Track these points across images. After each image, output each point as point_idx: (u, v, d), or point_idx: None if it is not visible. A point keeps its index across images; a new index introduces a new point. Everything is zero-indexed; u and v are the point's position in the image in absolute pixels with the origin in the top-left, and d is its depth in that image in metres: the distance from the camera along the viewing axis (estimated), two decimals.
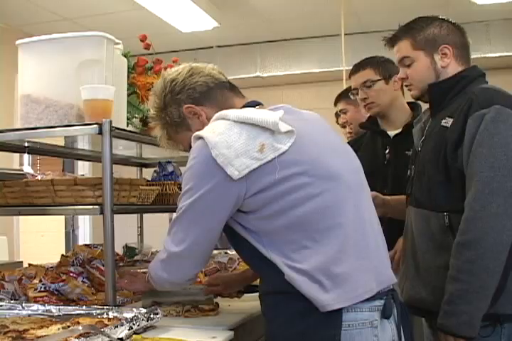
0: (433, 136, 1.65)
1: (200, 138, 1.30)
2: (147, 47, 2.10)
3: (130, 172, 2.60)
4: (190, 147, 1.44)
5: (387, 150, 2.21)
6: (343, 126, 3.09)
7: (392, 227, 1.80)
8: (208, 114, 1.44)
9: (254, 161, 1.24)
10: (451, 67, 1.68)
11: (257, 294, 1.52)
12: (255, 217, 1.30)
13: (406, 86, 1.78)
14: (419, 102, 2.01)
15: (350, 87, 2.35)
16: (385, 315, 1.29)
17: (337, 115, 2.94)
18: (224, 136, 1.27)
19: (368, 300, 1.27)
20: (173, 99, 1.47)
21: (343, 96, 2.81)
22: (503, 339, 1.49)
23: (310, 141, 1.34)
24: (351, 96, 2.35)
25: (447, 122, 1.59)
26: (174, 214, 1.42)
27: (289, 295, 1.27)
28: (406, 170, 1.82)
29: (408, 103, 2.27)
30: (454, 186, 1.55)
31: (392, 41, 1.76)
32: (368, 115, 2.34)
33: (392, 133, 2.23)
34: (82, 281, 1.85)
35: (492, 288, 1.44)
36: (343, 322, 1.24)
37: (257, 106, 1.44)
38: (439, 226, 1.59)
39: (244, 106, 1.43)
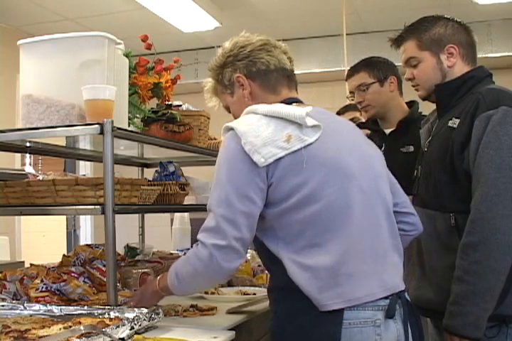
0: (440, 137, 1.65)
1: (230, 129, 1.36)
2: (148, 47, 2.10)
3: (131, 173, 2.61)
4: (228, 110, 1.57)
5: (383, 148, 2.21)
6: None
7: None
8: (253, 90, 1.51)
9: (281, 150, 1.29)
10: (458, 67, 1.68)
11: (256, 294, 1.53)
12: (275, 210, 1.32)
13: (413, 86, 1.78)
14: (417, 100, 2.01)
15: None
16: (389, 314, 1.29)
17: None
18: (252, 126, 1.33)
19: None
20: (233, 63, 1.52)
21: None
22: (508, 339, 1.49)
23: (334, 139, 1.38)
24: (350, 100, 2.37)
25: (454, 123, 1.59)
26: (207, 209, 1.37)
27: (292, 292, 1.29)
28: (399, 167, 1.82)
29: (407, 102, 2.27)
30: (461, 187, 1.55)
31: (397, 42, 1.76)
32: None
33: (387, 130, 2.24)
34: (84, 281, 1.85)
35: (498, 289, 1.44)
36: (344, 320, 1.25)
37: (295, 104, 1.47)
38: (445, 227, 1.58)
39: (282, 102, 1.47)
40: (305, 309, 1.28)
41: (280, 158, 1.29)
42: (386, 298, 1.30)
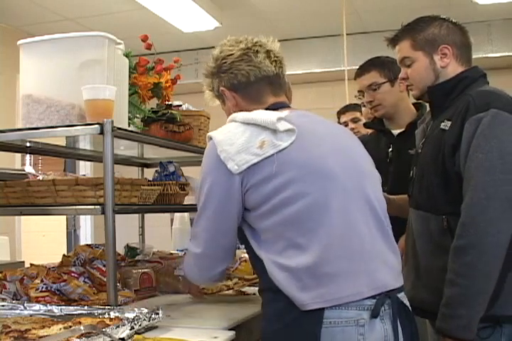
0: (432, 139, 1.65)
1: (210, 138, 1.40)
2: (148, 47, 2.10)
3: (131, 173, 2.61)
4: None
5: (391, 149, 2.21)
6: (346, 125, 3.20)
7: (398, 227, 1.80)
8: (238, 102, 1.52)
9: (254, 157, 1.31)
10: (451, 67, 1.67)
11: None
12: (255, 214, 1.35)
13: (407, 86, 1.78)
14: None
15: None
16: (373, 314, 1.28)
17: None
18: (229, 134, 1.36)
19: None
20: (218, 75, 1.53)
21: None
22: (503, 338, 1.49)
23: (314, 140, 1.39)
24: (358, 99, 2.38)
25: (446, 125, 1.59)
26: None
27: (276, 293, 1.31)
28: (407, 169, 1.82)
29: (414, 103, 2.27)
30: (453, 189, 1.55)
31: (393, 41, 1.76)
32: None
33: (396, 132, 2.24)
34: (84, 281, 1.85)
35: (489, 291, 1.44)
36: (325, 319, 1.25)
37: (281, 109, 1.47)
38: (438, 229, 1.58)
39: (268, 108, 1.47)
40: (288, 309, 1.28)
41: (254, 164, 1.31)
42: (373, 297, 1.29)
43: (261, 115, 1.37)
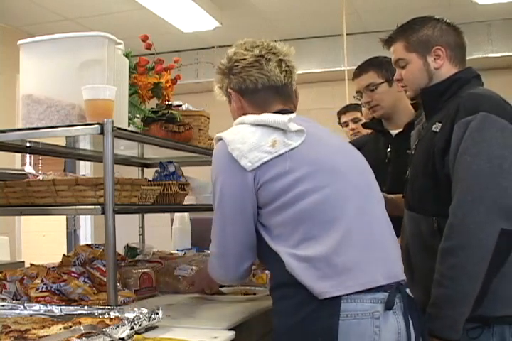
0: (424, 141, 1.66)
1: (220, 139, 1.43)
2: (148, 47, 2.10)
3: (131, 173, 2.61)
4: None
5: (389, 149, 2.22)
6: (346, 125, 3.21)
7: (397, 227, 1.81)
8: (244, 106, 1.55)
9: (266, 154, 1.36)
10: (445, 69, 1.67)
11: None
12: (267, 210, 1.38)
13: (402, 87, 1.78)
14: None
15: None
16: (388, 306, 1.30)
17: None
18: (240, 134, 1.41)
19: (370, 291, 1.30)
20: (228, 76, 1.56)
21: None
22: (494, 338, 1.49)
23: (319, 141, 1.45)
24: (356, 99, 2.38)
25: (437, 127, 1.60)
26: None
27: (291, 287, 1.32)
28: (405, 169, 1.83)
29: (413, 103, 2.27)
30: (443, 191, 1.55)
31: (387, 43, 1.77)
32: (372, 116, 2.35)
33: (394, 132, 2.24)
34: (84, 281, 1.85)
35: (475, 293, 1.44)
36: (342, 312, 1.27)
37: (286, 114, 1.49)
38: (429, 230, 1.59)
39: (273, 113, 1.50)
40: (305, 302, 1.30)
41: (266, 162, 1.35)
42: (385, 291, 1.32)
43: (271, 116, 1.41)
